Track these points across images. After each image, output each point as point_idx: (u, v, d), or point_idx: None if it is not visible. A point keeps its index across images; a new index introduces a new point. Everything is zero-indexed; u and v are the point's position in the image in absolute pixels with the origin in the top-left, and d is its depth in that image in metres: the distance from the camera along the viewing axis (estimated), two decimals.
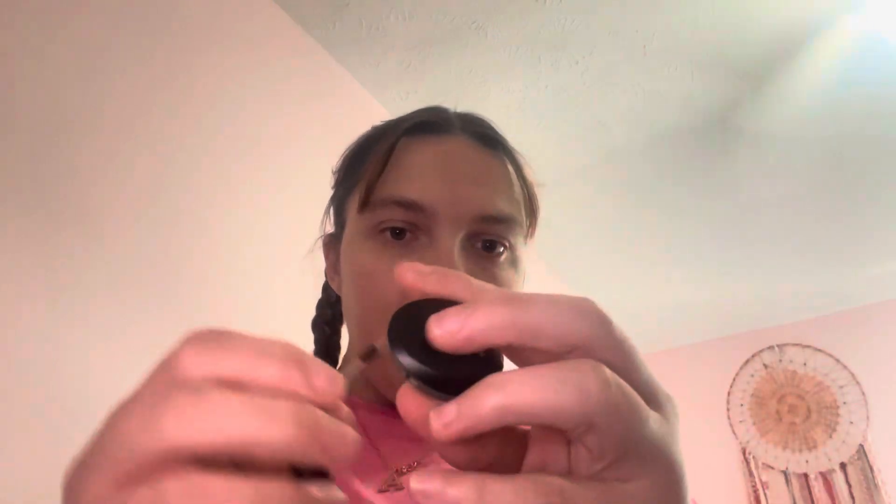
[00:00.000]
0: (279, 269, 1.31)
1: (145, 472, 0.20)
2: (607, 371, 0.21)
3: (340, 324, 0.59)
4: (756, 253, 2.87)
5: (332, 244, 0.58)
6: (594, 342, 0.22)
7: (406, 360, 0.22)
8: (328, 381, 0.22)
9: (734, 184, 2.38)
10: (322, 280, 0.61)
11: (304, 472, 0.22)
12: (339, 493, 0.22)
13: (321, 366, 0.22)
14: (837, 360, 3.39)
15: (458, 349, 0.21)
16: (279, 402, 0.20)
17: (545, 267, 2.83)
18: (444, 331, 0.21)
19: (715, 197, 2.46)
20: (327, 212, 0.60)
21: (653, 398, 0.23)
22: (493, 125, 0.57)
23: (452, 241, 0.47)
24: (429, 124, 0.54)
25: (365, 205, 0.50)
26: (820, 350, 3.45)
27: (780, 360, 3.53)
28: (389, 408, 0.52)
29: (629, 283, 3.08)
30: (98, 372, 0.96)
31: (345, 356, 0.59)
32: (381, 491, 0.46)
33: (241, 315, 1.24)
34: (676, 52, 1.79)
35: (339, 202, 0.57)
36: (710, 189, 2.41)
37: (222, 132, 1.34)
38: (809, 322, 3.53)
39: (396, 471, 0.48)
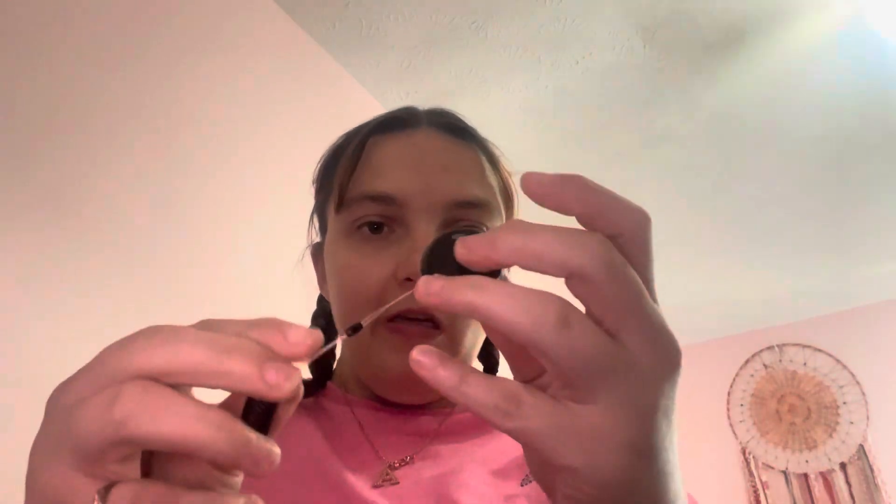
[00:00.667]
0: (280, 272, 1.31)
1: (112, 383, 0.23)
2: (572, 312, 0.23)
3: (336, 334, 0.59)
4: (756, 253, 2.87)
5: (319, 253, 0.59)
6: (589, 272, 0.23)
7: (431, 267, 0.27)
8: (303, 335, 0.24)
9: (734, 184, 2.38)
10: (316, 291, 0.61)
11: (254, 411, 0.24)
12: (274, 447, 0.23)
13: (299, 326, 0.24)
14: (837, 360, 3.39)
15: (475, 266, 0.24)
16: (234, 339, 0.23)
17: None
18: (465, 249, 0.24)
19: (715, 197, 2.46)
20: (311, 221, 0.60)
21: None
22: (461, 117, 0.57)
23: (428, 230, 0.48)
24: (396, 121, 0.55)
25: (340, 205, 0.51)
26: (820, 350, 3.45)
27: (780, 360, 3.53)
28: (383, 404, 0.53)
29: None
30: None
31: (338, 360, 0.59)
32: (375, 486, 0.47)
33: (238, 314, 1.23)
34: (676, 52, 1.79)
35: (320, 210, 0.58)
36: (709, 189, 2.41)
37: (221, 132, 1.34)
38: (809, 322, 3.53)
39: (390, 466, 0.48)
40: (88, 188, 1.04)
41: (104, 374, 0.23)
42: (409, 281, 0.46)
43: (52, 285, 0.94)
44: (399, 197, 0.49)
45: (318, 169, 0.59)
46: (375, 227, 0.49)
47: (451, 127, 0.55)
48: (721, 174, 2.33)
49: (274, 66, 1.55)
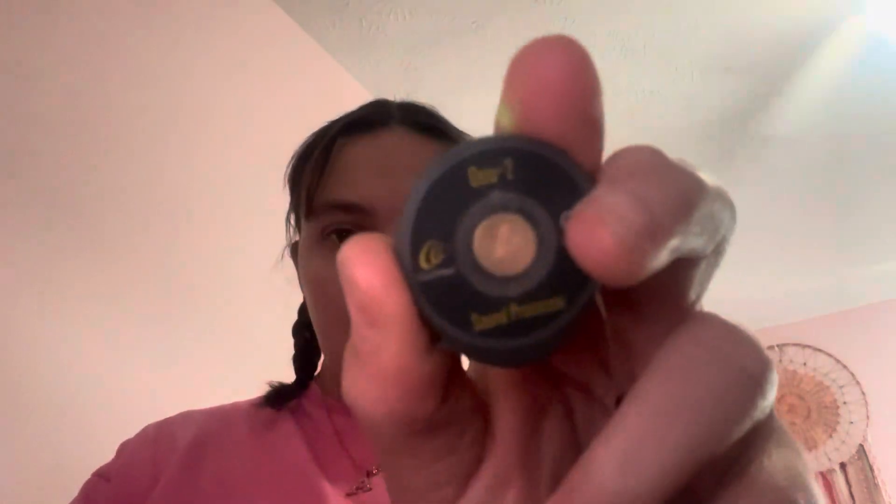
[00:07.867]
0: (276, 271, 1.31)
1: None
2: None
3: (317, 346, 0.58)
4: (756, 253, 2.87)
5: (297, 253, 0.58)
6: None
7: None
8: None
9: (734, 184, 2.38)
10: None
11: None
12: None
13: None
14: (837, 360, 3.39)
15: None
16: None
17: None
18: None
19: None
20: (288, 220, 0.59)
21: None
22: (435, 112, 0.55)
23: None
24: (364, 121, 0.53)
25: (309, 212, 0.50)
26: (820, 350, 3.45)
27: (780, 360, 3.53)
28: None
29: None
30: (93, 372, 0.96)
31: (322, 361, 0.58)
32: (349, 495, 0.46)
33: (233, 316, 1.24)
34: (677, 52, 1.79)
35: (295, 210, 0.57)
36: None
37: (221, 133, 1.34)
38: (809, 322, 3.53)
39: (368, 472, 0.48)
40: (86, 195, 1.04)
41: None
42: None
43: (53, 290, 0.94)
44: (366, 205, 0.47)
45: (288, 169, 0.58)
46: (345, 235, 0.47)
47: (422, 125, 0.52)
48: (721, 174, 2.32)
49: (273, 66, 1.55)
